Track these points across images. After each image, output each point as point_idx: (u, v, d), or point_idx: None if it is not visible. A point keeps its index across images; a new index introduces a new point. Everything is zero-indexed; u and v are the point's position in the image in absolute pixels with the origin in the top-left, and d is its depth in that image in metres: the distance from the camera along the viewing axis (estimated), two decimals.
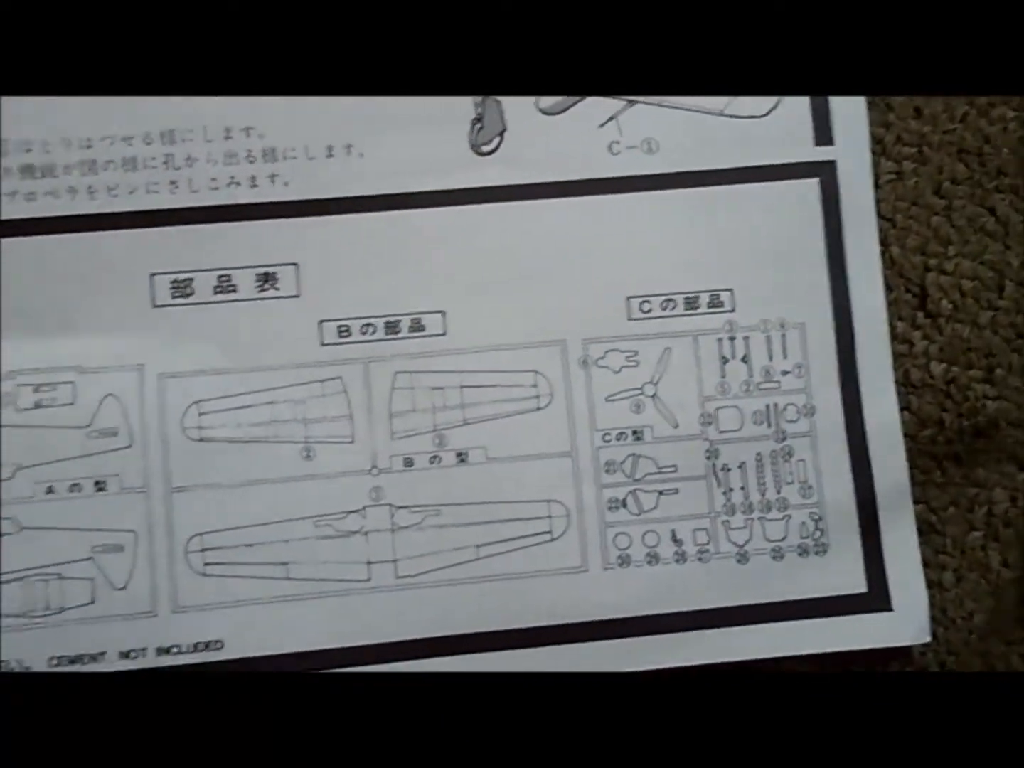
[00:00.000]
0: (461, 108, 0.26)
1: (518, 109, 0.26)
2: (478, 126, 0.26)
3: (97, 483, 0.24)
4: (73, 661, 0.24)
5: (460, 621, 0.25)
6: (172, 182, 0.25)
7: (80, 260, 0.25)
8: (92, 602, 0.24)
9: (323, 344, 0.25)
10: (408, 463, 0.25)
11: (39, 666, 0.24)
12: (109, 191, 0.25)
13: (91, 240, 0.25)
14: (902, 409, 0.26)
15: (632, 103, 0.26)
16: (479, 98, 0.26)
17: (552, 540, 0.25)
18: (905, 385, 0.27)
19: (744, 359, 0.26)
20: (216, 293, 0.25)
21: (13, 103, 0.25)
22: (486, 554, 0.25)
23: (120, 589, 0.24)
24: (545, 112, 0.26)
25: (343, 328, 0.25)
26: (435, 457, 0.25)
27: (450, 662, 0.25)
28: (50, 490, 0.24)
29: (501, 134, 0.26)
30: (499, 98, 0.26)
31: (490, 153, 0.26)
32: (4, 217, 0.24)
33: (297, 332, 0.25)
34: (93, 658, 0.24)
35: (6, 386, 0.24)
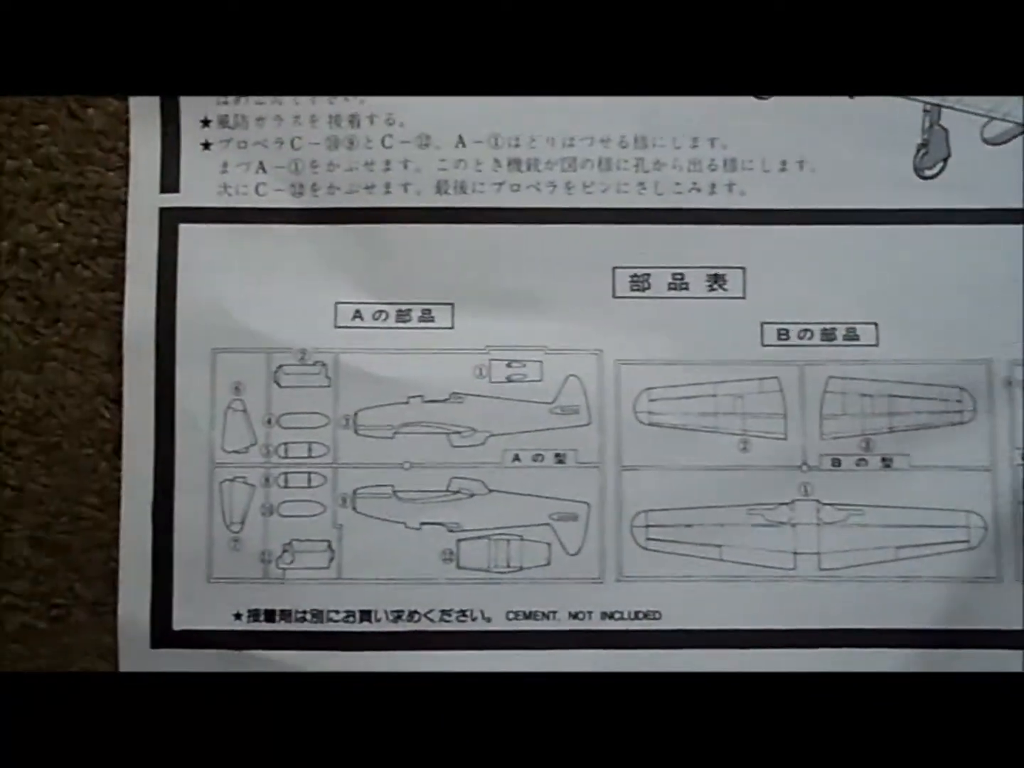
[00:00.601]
0: (908, 133, 0.27)
1: (963, 137, 0.27)
2: (923, 151, 0.27)
3: (557, 455, 0.26)
4: (528, 616, 0.26)
5: (876, 616, 0.26)
6: (640, 184, 0.27)
7: (553, 249, 0.27)
8: (548, 564, 0.26)
9: (763, 345, 0.27)
10: (836, 463, 0.27)
11: (498, 619, 0.26)
12: (584, 188, 0.27)
13: (564, 232, 0.27)
14: None
15: None
16: (927, 124, 0.27)
17: (969, 549, 0.27)
18: None
19: None
20: (670, 289, 0.27)
21: (503, 102, 0.27)
22: (905, 556, 0.27)
23: (573, 555, 0.26)
24: (989, 142, 0.27)
25: (783, 331, 0.27)
26: (861, 460, 0.27)
27: (865, 654, 0.26)
28: (516, 458, 0.26)
29: (945, 160, 0.27)
30: (945, 125, 0.27)
31: (933, 177, 0.27)
32: (494, 205, 0.27)
33: (740, 332, 0.27)
34: (545, 616, 0.26)
35: (482, 360, 0.27)
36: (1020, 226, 0.27)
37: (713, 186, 0.27)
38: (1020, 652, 0.26)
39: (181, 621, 0.26)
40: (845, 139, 0.27)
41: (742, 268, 0.27)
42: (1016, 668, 0.26)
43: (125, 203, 0.26)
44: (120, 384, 0.26)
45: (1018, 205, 0.27)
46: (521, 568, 0.26)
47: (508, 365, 0.27)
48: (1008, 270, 0.27)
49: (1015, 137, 0.27)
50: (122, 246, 0.26)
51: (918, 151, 0.27)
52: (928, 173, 0.28)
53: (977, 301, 0.27)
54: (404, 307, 0.27)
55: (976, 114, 0.27)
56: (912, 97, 0.27)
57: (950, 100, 0.28)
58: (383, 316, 0.27)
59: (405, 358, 0.26)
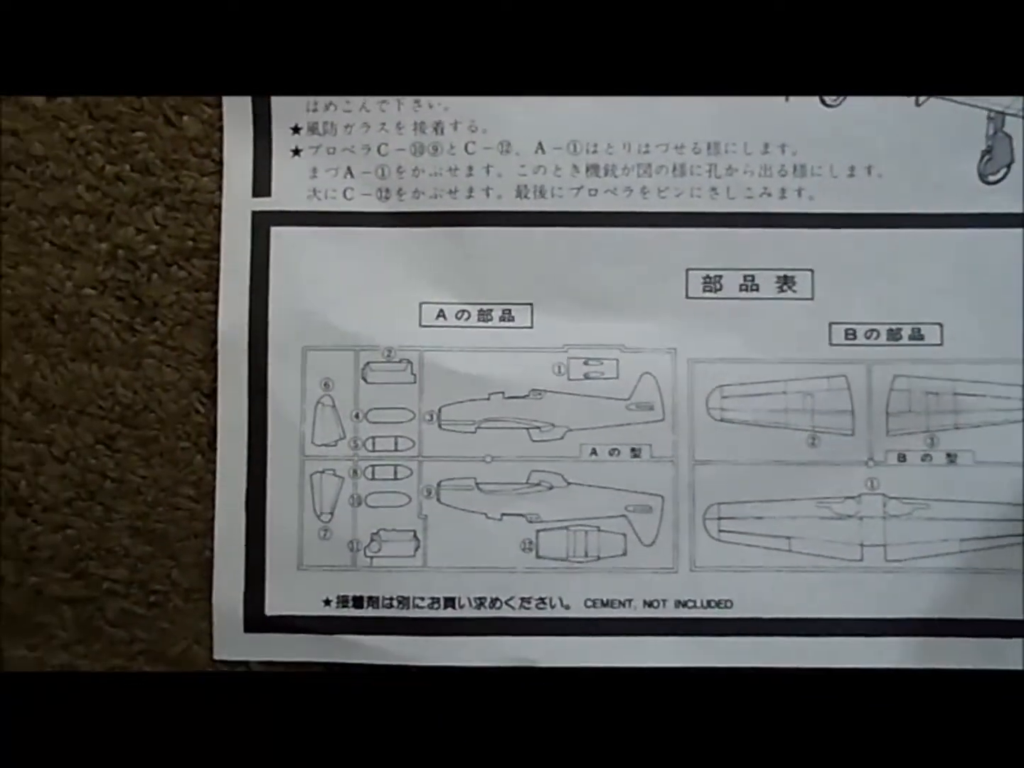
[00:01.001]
0: (972, 140, 0.28)
1: None
2: (987, 157, 0.28)
3: (633, 450, 0.27)
4: (605, 604, 0.27)
5: (940, 606, 0.27)
6: (713, 188, 0.28)
7: (628, 252, 0.28)
8: (624, 554, 0.27)
9: (831, 344, 0.28)
10: (901, 458, 0.28)
11: (577, 606, 0.27)
12: (659, 192, 0.28)
13: (639, 235, 0.28)
14: None
15: None
16: (991, 131, 0.28)
17: None
18: None
19: None
20: (741, 290, 0.28)
21: (581, 106, 0.27)
22: (969, 548, 0.27)
23: (648, 545, 0.27)
24: None
25: (850, 331, 0.28)
26: (926, 456, 0.28)
27: (930, 643, 0.27)
28: (593, 452, 0.27)
29: (1008, 165, 0.28)
30: (1009, 132, 0.28)
31: (997, 182, 0.28)
32: (572, 209, 0.28)
33: (809, 331, 0.28)
34: (622, 604, 0.27)
35: (560, 357, 0.28)
36: None
37: (783, 191, 0.28)
38: None
39: (273, 607, 0.27)
40: (911, 145, 0.28)
41: (811, 270, 0.28)
42: None
43: (219, 207, 0.28)
44: (214, 380, 0.27)
45: None
46: (598, 558, 0.27)
47: (585, 363, 0.28)
48: None
49: None
50: (216, 248, 0.28)
51: (982, 157, 0.28)
52: (992, 178, 0.28)
53: None
54: (486, 307, 0.28)
55: None
56: (977, 104, 0.28)
57: (1014, 107, 0.29)
58: (465, 315, 0.28)
59: (486, 356, 0.28)
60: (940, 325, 0.28)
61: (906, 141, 0.28)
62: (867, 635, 0.27)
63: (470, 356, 0.27)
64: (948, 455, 0.28)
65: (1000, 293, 0.28)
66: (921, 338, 0.28)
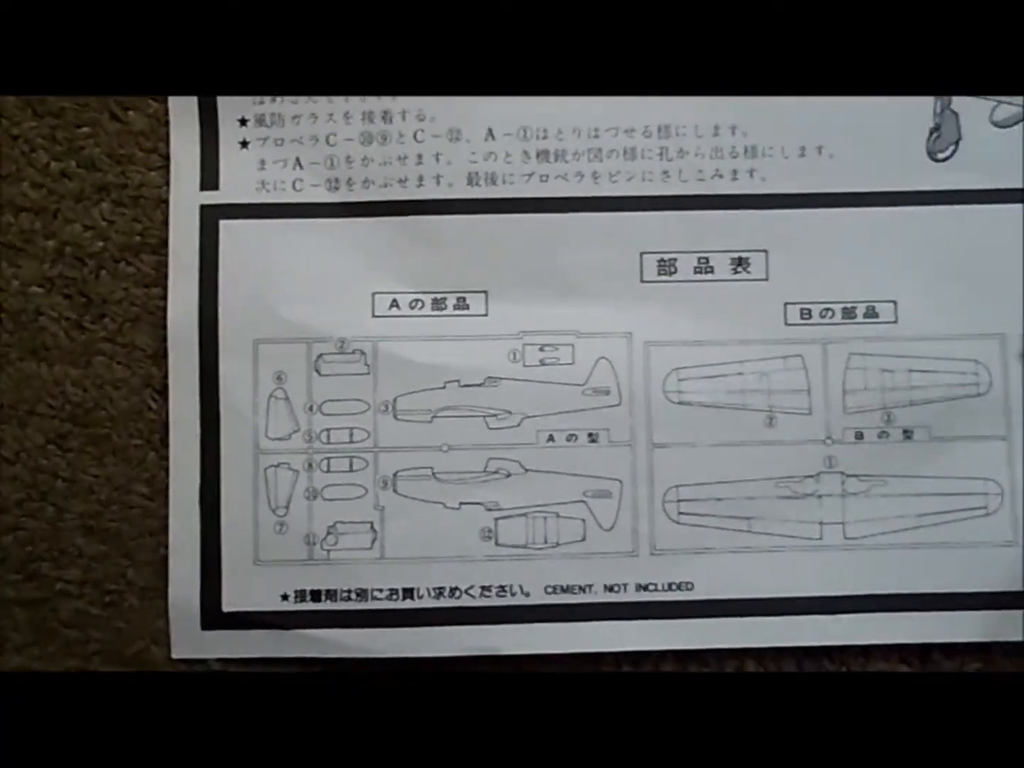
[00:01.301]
0: (920, 118, 0.28)
1: (973, 121, 0.28)
2: (936, 135, 0.28)
3: (590, 435, 0.27)
4: (565, 590, 0.27)
5: (899, 581, 0.27)
6: (664, 171, 0.28)
7: (581, 237, 0.28)
8: (583, 539, 0.27)
9: (787, 324, 0.28)
10: (859, 436, 0.28)
11: (537, 593, 0.27)
12: (610, 177, 0.28)
13: (592, 220, 0.28)
14: None
15: None
16: (938, 109, 0.28)
17: (987, 515, 0.28)
18: None
19: None
20: (696, 273, 0.28)
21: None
22: (926, 523, 0.27)
23: (607, 530, 0.27)
24: (998, 125, 0.28)
25: (805, 311, 0.28)
26: (883, 433, 0.28)
27: (888, 618, 0.27)
28: (550, 438, 0.27)
29: (956, 143, 0.28)
30: (956, 110, 0.28)
31: (945, 160, 0.28)
32: (523, 196, 0.27)
33: (764, 312, 0.28)
34: (582, 589, 0.27)
35: (515, 344, 0.28)
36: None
37: (735, 172, 0.28)
38: None
39: (230, 603, 0.27)
40: (861, 125, 0.28)
41: (764, 251, 0.28)
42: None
43: (167, 201, 0.27)
44: (166, 376, 0.27)
45: (1013, 185, 0.28)
46: (558, 544, 0.27)
47: (541, 349, 0.28)
48: (1018, 246, 0.28)
49: (1022, 120, 0.29)
50: (164, 243, 0.27)
51: (930, 135, 0.28)
52: (941, 156, 0.28)
53: (990, 277, 0.28)
54: (439, 295, 0.28)
55: (985, 98, 0.29)
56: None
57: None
58: (419, 305, 0.28)
59: (441, 345, 0.27)
60: (894, 302, 0.28)
61: (855, 121, 0.28)
62: (828, 613, 0.27)
63: (424, 345, 0.27)
64: (904, 431, 0.28)
65: (952, 269, 0.28)
66: (876, 316, 0.28)
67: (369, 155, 0.28)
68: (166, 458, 0.27)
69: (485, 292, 0.28)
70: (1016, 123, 0.28)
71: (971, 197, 0.28)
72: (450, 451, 0.27)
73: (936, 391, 0.28)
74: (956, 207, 0.28)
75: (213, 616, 0.27)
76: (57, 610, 0.27)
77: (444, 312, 0.28)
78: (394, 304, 0.27)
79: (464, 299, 0.28)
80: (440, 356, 0.27)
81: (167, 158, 0.27)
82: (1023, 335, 0.28)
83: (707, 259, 0.28)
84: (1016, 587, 0.27)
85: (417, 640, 0.27)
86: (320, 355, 0.27)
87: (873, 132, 0.28)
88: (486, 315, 0.28)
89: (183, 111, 0.28)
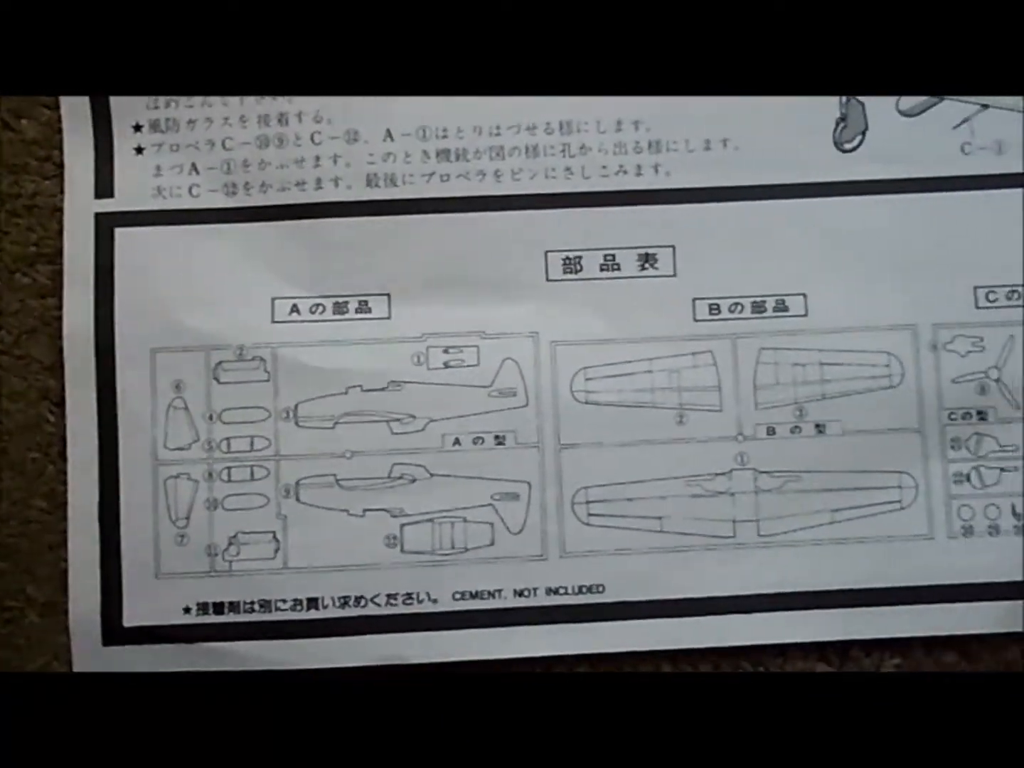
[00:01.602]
0: (826, 109, 0.28)
1: (879, 110, 0.28)
2: (842, 125, 0.28)
3: (497, 437, 0.27)
4: (474, 596, 0.27)
5: (814, 578, 0.27)
6: (567, 168, 0.27)
7: (485, 237, 0.27)
8: (492, 544, 0.27)
9: (695, 320, 0.27)
10: (771, 432, 0.27)
11: (445, 600, 0.26)
12: (513, 175, 0.27)
13: (496, 219, 0.27)
14: None
15: (985, 107, 0.28)
16: (844, 99, 0.28)
17: (901, 509, 0.27)
18: None
19: None
20: (602, 270, 0.28)
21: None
22: (841, 518, 0.27)
23: (516, 534, 0.27)
24: (904, 114, 0.28)
25: (714, 306, 0.28)
26: (796, 427, 0.27)
27: (804, 616, 0.27)
28: (456, 442, 0.27)
29: (863, 133, 0.28)
30: (862, 99, 0.28)
31: (852, 150, 0.28)
32: (424, 196, 0.27)
33: (673, 308, 0.27)
34: (491, 594, 0.27)
35: (419, 347, 0.27)
36: (937, 194, 0.28)
37: (639, 168, 0.28)
38: (958, 606, 0.27)
39: (131, 618, 0.26)
40: (766, 117, 0.28)
41: (672, 247, 0.28)
42: (954, 627, 0.27)
43: (61, 210, 0.27)
44: (63, 388, 0.26)
45: (934, 174, 0.28)
46: (466, 549, 0.27)
47: (445, 351, 0.27)
48: (928, 236, 0.27)
49: (929, 108, 0.28)
50: (60, 253, 0.27)
51: (837, 125, 0.28)
52: (848, 146, 0.28)
53: (900, 268, 0.27)
54: (341, 299, 0.27)
55: None
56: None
57: None
58: (320, 309, 0.27)
59: (343, 349, 0.27)
60: (804, 295, 0.28)
61: (760, 113, 0.28)
62: (743, 612, 0.27)
63: (325, 350, 0.27)
64: (817, 426, 0.27)
65: (862, 260, 0.27)
66: (786, 309, 0.28)
67: (266, 158, 0.27)
68: (64, 471, 0.26)
69: (387, 295, 0.27)
70: (923, 111, 0.28)
71: (879, 187, 0.28)
72: (353, 457, 0.27)
73: (848, 384, 0.28)
74: (864, 197, 0.28)
75: (114, 631, 0.26)
76: None
77: (345, 316, 0.27)
78: (294, 309, 0.27)
79: (366, 302, 0.27)
80: (342, 361, 0.27)
81: (61, 166, 0.27)
82: (935, 325, 0.28)
83: (613, 256, 0.28)
84: (933, 581, 0.27)
85: (322, 651, 0.26)
86: (219, 363, 0.27)
87: (779, 124, 0.28)
88: (389, 318, 0.27)
89: (76, 118, 0.27)
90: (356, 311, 0.27)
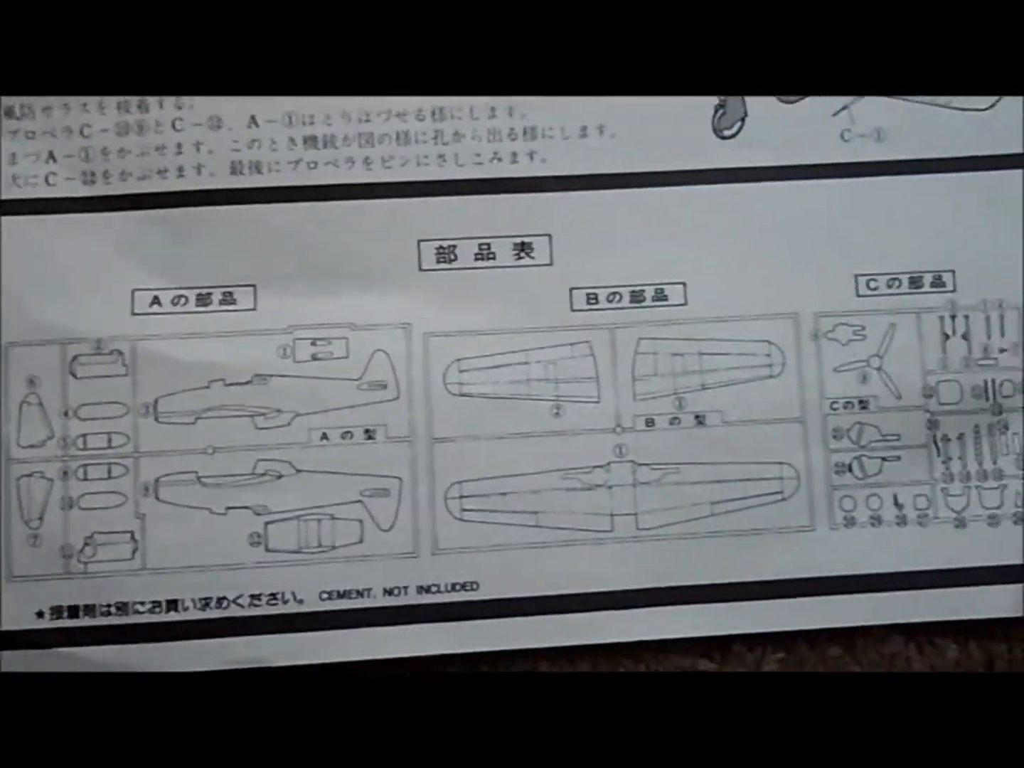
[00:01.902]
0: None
1: (759, 97, 0.28)
2: (721, 111, 0.28)
3: (367, 431, 0.26)
4: (342, 596, 0.26)
5: (695, 572, 0.26)
6: (440, 155, 0.27)
7: (355, 226, 0.27)
8: (360, 542, 0.26)
9: (573, 310, 0.27)
10: (649, 423, 0.27)
11: (311, 600, 0.26)
12: (383, 162, 0.27)
13: (366, 207, 0.27)
14: None
15: (862, 96, 0.28)
16: None
17: (783, 500, 0.27)
18: None
19: (964, 336, 0.27)
20: (477, 260, 0.27)
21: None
22: (721, 511, 0.27)
23: (386, 531, 0.26)
24: (783, 100, 0.28)
25: (591, 296, 0.27)
26: (675, 419, 0.27)
27: (685, 611, 0.26)
28: (324, 436, 0.26)
29: (742, 119, 0.28)
30: None
31: (731, 137, 0.27)
32: (291, 184, 0.26)
33: (550, 298, 0.27)
34: (360, 594, 0.26)
35: (286, 340, 0.27)
36: (816, 181, 0.27)
37: (514, 155, 0.27)
38: (841, 598, 0.27)
39: None
40: (643, 103, 0.27)
41: (548, 235, 0.27)
42: (837, 620, 0.26)
43: None
44: None
45: (813, 161, 0.27)
46: (333, 547, 0.26)
47: (313, 343, 0.26)
48: (808, 224, 0.27)
49: (807, 95, 0.28)
50: None
51: (716, 112, 0.28)
52: (727, 133, 0.28)
53: (781, 256, 0.27)
54: (204, 291, 0.26)
55: None
56: None
57: None
58: (183, 301, 0.26)
59: (205, 342, 0.26)
60: (683, 284, 0.27)
61: (638, 99, 0.27)
62: (622, 608, 0.26)
63: (187, 343, 0.26)
64: (696, 417, 0.27)
65: (742, 249, 0.27)
66: (665, 298, 0.27)
67: (126, 146, 0.26)
68: None
69: (253, 286, 0.26)
70: (801, 98, 0.28)
71: (759, 174, 0.27)
72: (215, 453, 0.26)
73: (728, 374, 0.27)
74: (743, 185, 0.27)
75: None
76: None
77: (209, 308, 0.26)
78: (155, 301, 0.26)
79: (231, 294, 0.26)
80: (204, 354, 0.26)
81: None
82: (816, 314, 0.28)
83: (488, 245, 0.27)
84: (815, 573, 0.27)
85: (183, 654, 0.25)
86: (75, 357, 0.26)
87: (656, 111, 0.27)
88: (254, 309, 0.26)
89: None
90: (220, 303, 0.26)
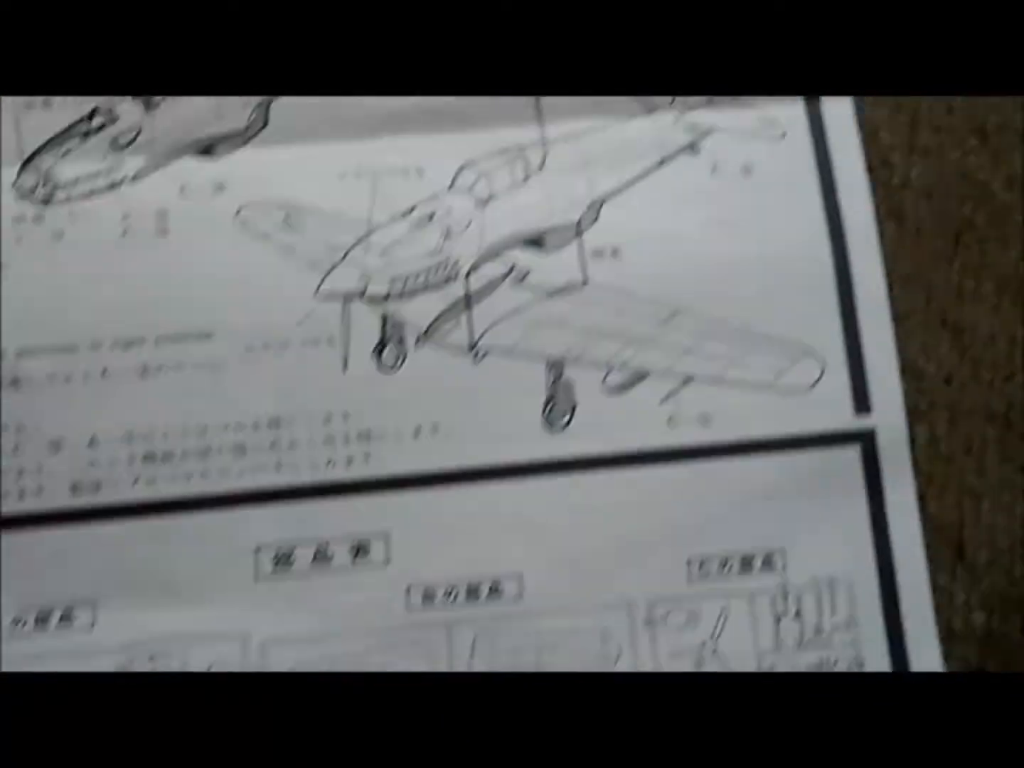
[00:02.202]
0: (534, 389, 0.28)
1: (586, 388, 0.28)
2: (551, 404, 0.29)
3: None
4: None
5: None
6: (277, 463, 0.28)
7: (194, 537, 0.27)
8: None
9: (408, 610, 0.27)
10: None
11: None
12: (220, 474, 0.28)
13: (204, 519, 0.27)
14: (945, 659, 0.28)
15: (687, 382, 0.29)
16: (551, 379, 0.29)
17: None
18: (948, 635, 0.28)
19: (796, 615, 0.28)
20: (313, 563, 0.27)
21: (136, 403, 0.27)
22: None
23: None
24: (611, 391, 0.29)
25: (428, 593, 0.27)
26: None
27: None
28: None
29: (572, 410, 0.29)
30: (570, 378, 0.29)
31: (562, 428, 0.28)
32: (130, 500, 0.27)
33: (386, 599, 0.27)
34: None
35: (121, 659, 0.27)
36: (645, 468, 0.28)
37: (349, 459, 0.28)
38: None
39: None
40: (474, 401, 0.28)
41: (385, 535, 0.28)
42: None
43: None
44: None
45: (642, 448, 0.28)
46: None
47: (151, 659, 0.27)
48: (639, 511, 0.28)
49: (635, 384, 0.29)
50: None
51: (546, 404, 0.29)
52: (558, 424, 0.29)
53: (614, 544, 0.28)
54: (44, 611, 0.27)
55: (598, 366, 0.29)
56: (533, 353, 0.28)
57: (575, 351, 0.29)
58: (22, 624, 0.27)
59: (44, 665, 0.26)
60: (520, 576, 0.28)
61: (468, 397, 0.28)
62: None
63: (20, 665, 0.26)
64: None
65: (575, 539, 0.28)
66: (500, 592, 0.28)
67: None
68: None
69: (93, 603, 0.27)
70: (630, 387, 0.28)
71: (589, 464, 0.28)
72: None
73: (565, 666, 0.28)
74: (575, 475, 0.28)
75: None
76: None
77: (46, 631, 0.27)
78: None
79: (71, 611, 0.27)
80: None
81: None
82: (649, 601, 0.28)
83: (326, 548, 0.28)
84: None
85: None
86: None
87: (487, 407, 0.28)
88: (93, 626, 0.26)
89: None
90: (60, 622, 0.27)
